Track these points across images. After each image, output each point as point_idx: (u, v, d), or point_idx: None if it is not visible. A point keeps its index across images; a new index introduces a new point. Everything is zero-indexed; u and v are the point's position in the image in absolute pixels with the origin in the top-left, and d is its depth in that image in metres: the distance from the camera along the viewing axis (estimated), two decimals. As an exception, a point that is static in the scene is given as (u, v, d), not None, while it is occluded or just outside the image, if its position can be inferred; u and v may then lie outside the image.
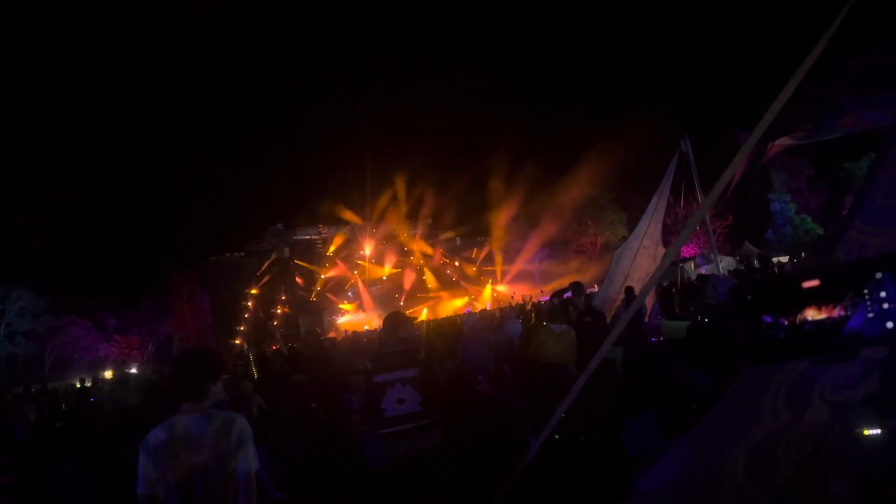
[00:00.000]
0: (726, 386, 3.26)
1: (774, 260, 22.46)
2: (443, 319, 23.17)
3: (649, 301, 11.34)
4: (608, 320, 9.59)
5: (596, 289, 15.25)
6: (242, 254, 49.07)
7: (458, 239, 50.59)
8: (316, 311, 45.03)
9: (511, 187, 44.87)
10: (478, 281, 46.19)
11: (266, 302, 45.02)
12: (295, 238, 49.93)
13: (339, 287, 46.19)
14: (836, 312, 1.57)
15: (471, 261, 48.69)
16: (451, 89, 77.86)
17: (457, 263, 48.07)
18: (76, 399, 14.70)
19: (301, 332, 40.31)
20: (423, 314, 36.24)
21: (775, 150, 9.14)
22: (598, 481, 5.13)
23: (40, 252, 44.63)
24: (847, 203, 36.49)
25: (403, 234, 48.72)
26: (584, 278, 15.70)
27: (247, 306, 44.97)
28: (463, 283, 46.16)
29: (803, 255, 25.42)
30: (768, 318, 1.63)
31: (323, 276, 46.56)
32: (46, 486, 6.43)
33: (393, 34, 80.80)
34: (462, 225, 49.45)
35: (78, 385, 18.96)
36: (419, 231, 49.32)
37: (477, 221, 48.81)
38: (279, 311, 44.20)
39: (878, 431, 2.24)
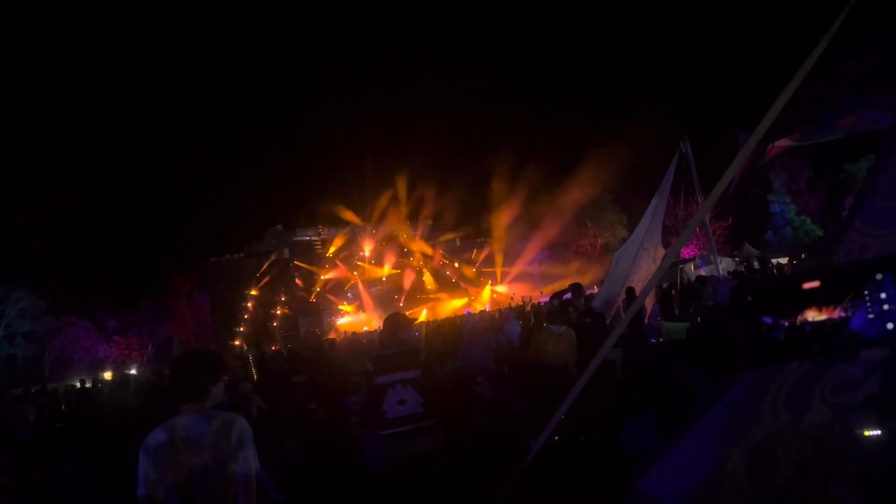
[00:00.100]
0: (726, 386, 3.25)
1: (774, 261, 22.48)
2: (442, 321, 23.15)
3: (649, 302, 11.34)
4: (608, 322, 9.58)
5: (596, 290, 15.25)
6: (242, 255, 49.04)
7: (457, 240, 50.59)
8: (315, 312, 45.03)
9: (511, 188, 44.84)
10: (477, 282, 46.17)
11: (266, 303, 45.00)
12: (295, 239, 49.91)
13: (338, 288, 46.17)
14: (837, 314, 1.57)
15: (470, 262, 48.69)
16: (451, 90, 77.99)
17: (456, 265, 48.06)
18: (76, 400, 14.69)
19: (301, 333, 40.35)
20: (423, 315, 36.20)
21: (775, 151, 9.15)
22: (598, 482, 5.13)
23: (40, 253, 44.74)
24: (847, 205, 36.51)
25: (403, 235, 48.70)
26: (584, 280, 15.66)
27: (246, 307, 44.95)
28: (462, 285, 46.14)
29: (803, 256, 25.43)
30: (769, 319, 1.64)
31: (323, 278, 46.53)
32: (46, 486, 6.43)
33: (394, 35, 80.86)
34: (462, 226, 49.47)
35: (78, 386, 18.94)
36: (419, 232, 49.30)
37: (477, 222, 48.83)
38: (279, 312, 44.20)
39: (879, 433, 2.24)
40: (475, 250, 49.37)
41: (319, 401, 8.64)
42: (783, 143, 8.96)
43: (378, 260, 47.30)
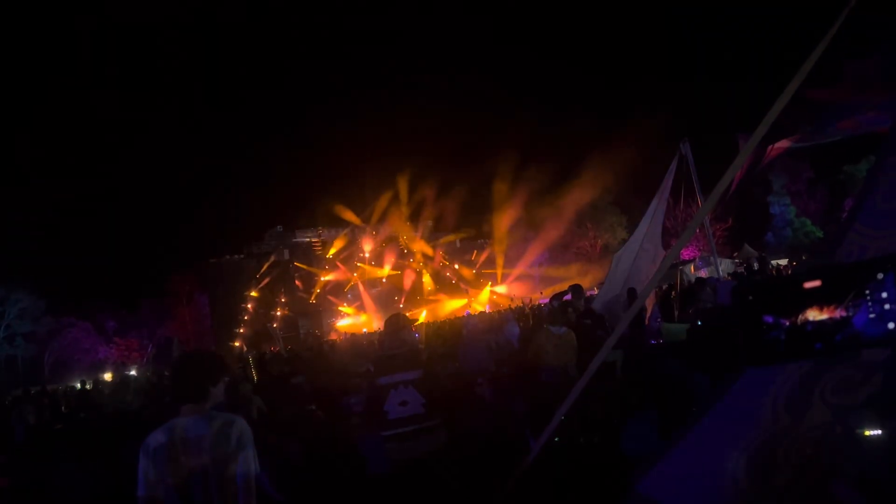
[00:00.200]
0: (725, 387, 3.25)
1: (773, 263, 22.50)
2: (442, 322, 23.16)
3: (649, 303, 11.33)
4: (609, 323, 9.58)
5: (596, 292, 15.24)
6: (242, 256, 49.08)
7: (457, 241, 50.60)
8: (315, 313, 45.03)
9: (511, 190, 44.87)
10: (477, 283, 46.16)
11: (266, 304, 45.03)
12: (294, 240, 49.93)
13: (338, 289, 46.17)
14: (838, 313, 1.57)
15: (470, 263, 48.68)
16: (451, 90, 78.06)
17: (456, 266, 48.06)
18: (76, 401, 14.69)
19: (301, 334, 40.36)
20: (422, 316, 36.21)
21: (775, 152, 9.14)
22: (598, 483, 5.12)
23: (40, 254, 44.78)
24: (847, 206, 36.50)
25: (403, 236, 48.70)
26: (584, 282, 15.67)
27: (246, 308, 44.97)
28: (462, 286, 46.14)
29: (803, 258, 25.45)
30: (770, 319, 1.63)
31: (322, 279, 46.52)
32: (46, 487, 6.42)
33: (394, 35, 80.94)
34: (462, 227, 49.51)
35: (78, 387, 18.95)
36: (419, 233, 49.30)
37: (477, 224, 48.87)
38: (279, 313, 44.21)
39: (880, 433, 2.24)
40: (475, 251, 49.40)
41: (319, 402, 8.64)
42: (783, 144, 8.95)
43: (378, 261, 47.30)
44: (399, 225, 48.50)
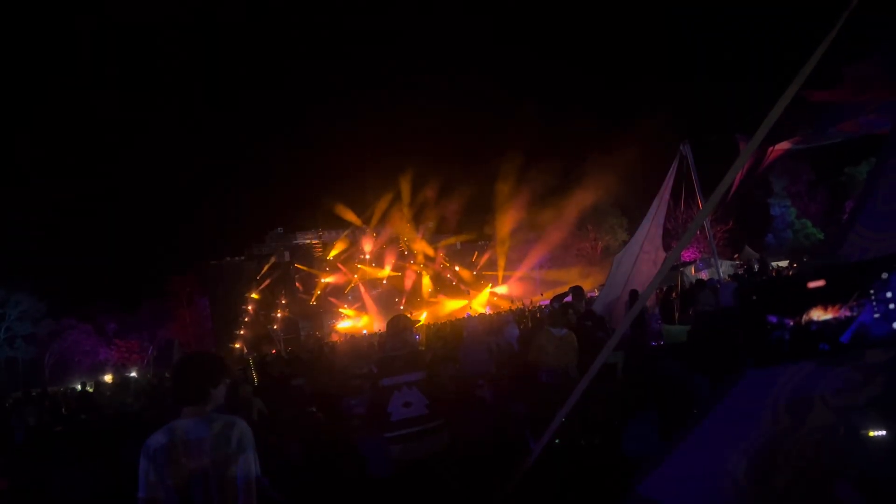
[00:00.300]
0: (726, 388, 3.25)
1: (774, 264, 22.49)
2: (443, 324, 23.16)
3: (650, 305, 11.33)
4: (610, 325, 9.57)
5: (597, 294, 15.24)
6: (242, 258, 49.11)
7: (458, 244, 50.60)
8: (316, 315, 45.03)
9: (511, 192, 44.86)
10: (477, 285, 46.15)
11: (266, 306, 45.02)
12: (295, 242, 49.94)
13: (339, 290, 46.17)
14: (842, 313, 1.56)
15: (471, 265, 48.68)
16: (451, 90, 78.07)
17: (457, 268, 48.05)
18: (76, 403, 14.68)
19: (301, 335, 40.37)
20: (422, 318, 36.22)
21: (775, 154, 9.15)
22: (599, 484, 5.12)
23: (40, 256, 44.78)
24: (848, 208, 36.50)
25: (404, 238, 48.70)
26: (585, 284, 15.67)
27: (247, 310, 44.97)
28: (462, 287, 46.13)
29: (804, 259, 25.43)
30: (773, 319, 1.63)
31: (323, 280, 46.52)
32: (45, 489, 6.41)
33: (395, 36, 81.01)
34: (463, 229, 49.50)
35: (78, 388, 18.94)
36: (420, 235, 49.29)
37: (477, 226, 48.84)
38: (279, 315, 44.21)
39: (884, 433, 2.23)
40: (476, 252, 49.39)
41: (319, 404, 8.63)
42: (784, 146, 8.95)
43: (379, 262, 47.30)
44: (400, 226, 48.48)
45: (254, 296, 45.91)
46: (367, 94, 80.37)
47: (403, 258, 47.94)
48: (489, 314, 27.77)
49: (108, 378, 32.26)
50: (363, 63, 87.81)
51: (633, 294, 10.44)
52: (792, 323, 1.65)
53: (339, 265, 47.06)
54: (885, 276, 1.57)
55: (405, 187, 48.21)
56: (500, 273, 46.10)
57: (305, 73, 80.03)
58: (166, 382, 14.64)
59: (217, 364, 3.05)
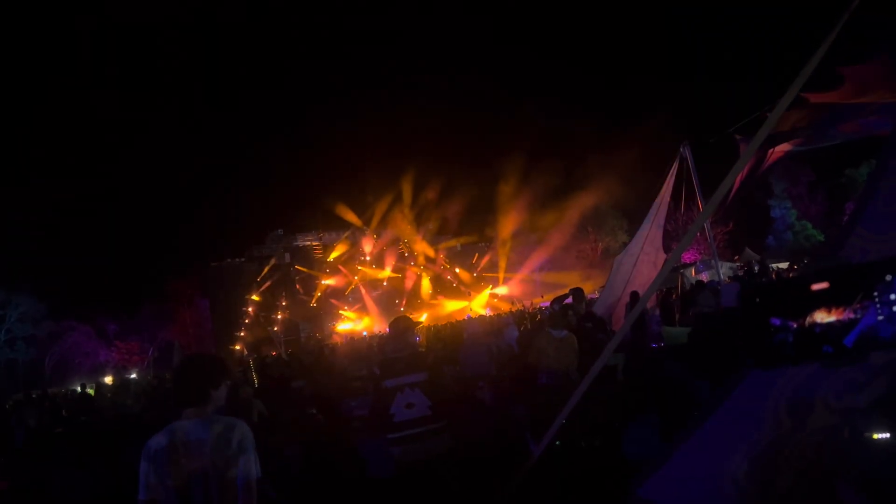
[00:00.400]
0: (727, 390, 3.24)
1: (774, 266, 22.47)
2: (443, 325, 23.15)
3: (651, 307, 11.32)
4: (611, 326, 9.57)
5: (597, 295, 15.23)
6: (243, 259, 49.14)
7: (458, 245, 50.60)
8: (316, 316, 45.04)
9: (512, 194, 44.86)
10: (477, 287, 46.16)
11: (267, 308, 45.03)
12: (295, 243, 49.96)
13: (339, 292, 46.18)
14: (846, 315, 1.55)
15: (471, 267, 48.68)
16: (452, 91, 78.06)
17: (457, 270, 48.06)
18: (76, 405, 14.68)
19: (301, 337, 40.37)
20: (422, 319, 36.22)
21: (776, 156, 9.16)
22: (599, 486, 5.11)
23: (41, 258, 44.70)
24: (848, 209, 36.49)
25: (405, 240, 48.71)
26: (585, 287, 15.66)
27: (247, 312, 44.98)
28: (462, 289, 46.13)
29: (805, 261, 25.40)
30: (777, 321, 1.62)
31: (323, 282, 46.53)
32: (45, 491, 6.41)
33: (395, 36, 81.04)
34: (463, 231, 49.49)
35: (79, 390, 18.94)
36: (420, 236, 49.31)
37: (478, 228, 48.83)
38: (279, 316, 44.21)
39: (888, 436, 2.22)
40: (477, 254, 49.38)
41: (319, 405, 8.63)
42: (784, 147, 8.96)
43: (379, 264, 47.31)
44: (400, 228, 48.49)
45: (254, 297, 45.96)
46: (368, 94, 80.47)
47: (404, 260, 47.96)
48: (489, 316, 27.77)
49: (108, 380, 32.26)
50: (363, 63, 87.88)
51: (634, 295, 10.44)
52: (795, 325, 1.64)
53: (340, 267, 47.07)
54: (889, 278, 1.57)
55: (406, 188, 48.29)
56: (501, 275, 46.11)
57: (305, 73, 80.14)
58: (166, 384, 14.64)
59: (218, 365, 3.05)
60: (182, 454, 2.72)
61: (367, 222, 49.19)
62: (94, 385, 22.40)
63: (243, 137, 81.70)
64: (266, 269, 47.43)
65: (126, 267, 52.25)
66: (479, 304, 42.31)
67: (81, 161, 63.44)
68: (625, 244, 25.02)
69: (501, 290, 44.90)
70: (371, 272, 46.68)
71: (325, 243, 49.88)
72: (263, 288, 46.52)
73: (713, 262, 14.60)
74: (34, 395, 15.41)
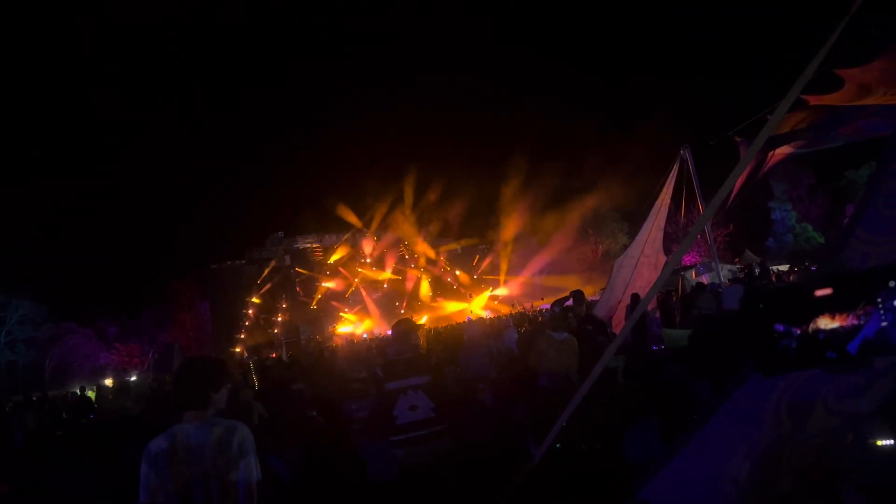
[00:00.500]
0: (728, 392, 3.24)
1: (774, 268, 22.46)
2: (444, 327, 23.15)
3: (652, 309, 11.32)
4: (611, 329, 9.56)
5: (598, 298, 15.23)
6: (243, 261, 49.12)
7: (459, 248, 50.59)
8: (317, 318, 45.02)
9: (512, 196, 44.85)
10: (478, 289, 46.14)
11: (267, 310, 45.02)
12: (295, 246, 49.95)
13: (340, 294, 46.17)
14: (849, 321, 1.55)
15: (472, 269, 48.66)
16: (452, 91, 78.15)
17: (457, 272, 48.05)
18: (76, 407, 14.67)
19: (302, 339, 40.34)
20: (422, 321, 36.20)
21: (776, 158, 9.15)
22: (600, 489, 5.10)
23: (41, 260, 44.71)
24: (848, 212, 36.48)
25: (405, 242, 48.70)
26: (586, 290, 15.66)
27: (247, 314, 44.97)
28: (462, 291, 46.13)
29: (805, 263, 25.39)
30: (780, 328, 1.62)
31: (324, 284, 46.52)
32: (45, 493, 6.40)
33: (396, 38, 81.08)
34: (464, 233, 49.48)
35: (78, 393, 18.92)
36: (420, 238, 49.30)
37: (478, 230, 48.81)
38: (280, 319, 44.20)
39: (892, 442, 2.22)
40: (477, 256, 49.36)
41: (320, 408, 8.62)
42: (784, 150, 8.96)
43: (379, 265, 47.30)
44: (400, 229, 48.49)
45: (254, 300, 45.93)
46: (368, 94, 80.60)
47: (404, 262, 47.94)
48: (489, 318, 27.77)
49: (108, 382, 32.23)
50: (363, 63, 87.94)
51: (635, 298, 10.43)
52: (799, 331, 1.63)
53: (340, 268, 47.05)
54: (892, 284, 1.57)
55: (406, 190, 48.30)
56: (502, 277, 46.09)
57: (305, 73, 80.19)
58: (166, 386, 14.63)
59: (219, 368, 3.04)
60: (183, 457, 2.72)
61: (367, 224, 49.25)
62: (94, 387, 22.39)
63: (243, 138, 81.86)
64: (266, 272, 47.44)
65: (126, 269, 52.33)
66: (479, 306, 42.30)
67: (81, 161, 63.61)
68: (625, 246, 25.00)
69: (501, 291, 44.89)
70: (371, 274, 46.68)
71: (325, 245, 49.89)
72: (264, 290, 46.52)
73: (714, 264, 14.58)
74: (34, 398, 15.39)
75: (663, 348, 9.20)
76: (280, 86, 79.20)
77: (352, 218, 48.78)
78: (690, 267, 23.70)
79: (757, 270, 17.73)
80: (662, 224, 11.70)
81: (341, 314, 44.68)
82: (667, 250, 12.84)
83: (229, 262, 48.98)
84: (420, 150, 69.22)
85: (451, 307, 43.06)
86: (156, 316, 47.12)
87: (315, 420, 8.22)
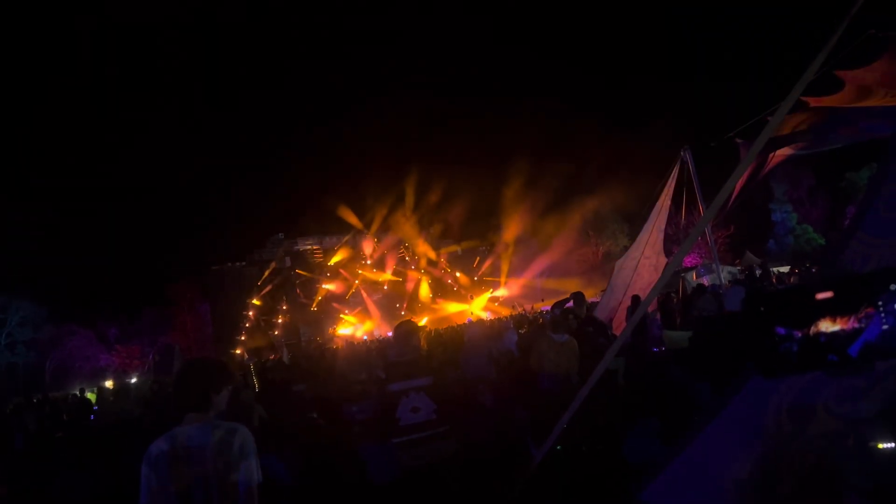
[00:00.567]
0: (729, 395, 3.24)
1: (775, 270, 22.46)
2: (444, 329, 23.15)
3: (652, 310, 11.31)
4: (612, 331, 9.56)
5: (598, 299, 15.22)
6: (244, 263, 49.12)
7: (459, 250, 50.59)
8: (317, 320, 45.02)
9: (513, 198, 44.87)
10: (478, 291, 46.14)
11: (267, 312, 45.03)
12: (296, 247, 49.96)
13: (340, 296, 46.17)
14: (851, 324, 1.55)
15: (472, 271, 48.66)
16: (452, 91, 78.12)
17: (458, 274, 48.04)
18: (76, 408, 14.66)
19: (302, 341, 40.33)
20: (423, 323, 36.19)
21: (777, 160, 9.15)
22: (601, 490, 5.10)
23: (41, 262, 44.72)
24: (849, 213, 36.48)
25: (406, 244, 48.71)
26: (587, 292, 15.66)
27: (248, 316, 44.97)
28: (462, 292, 46.12)
29: (806, 265, 25.39)
30: (782, 331, 1.62)
31: (324, 286, 46.52)
32: (45, 494, 6.40)
33: (396, 38, 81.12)
34: (464, 235, 49.50)
35: (79, 394, 18.92)
36: (421, 240, 49.28)
37: (479, 232, 48.83)
38: (280, 320, 44.20)
39: (893, 445, 2.22)
40: (478, 258, 49.36)
41: (320, 409, 8.62)
42: (785, 151, 8.95)
43: (380, 267, 47.30)
44: (401, 231, 48.48)
45: (255, 301, 45.92)
46: (368, 95, 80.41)
47: (404, 263, 47.93)
48: (489, 319, 27.77)
49: (108, 384, 32.22)
50: (363, 63, 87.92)
51: (635, 299, 10.43)
52: (800, 335, 1.63)
53: (341, 270, 47.05)
54: (893, 287, 1.56)
55: (407, 191, 48.29)
56: (503, 279, 46.08)
57: (305, 73, 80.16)
58: (167, 388, 14.61)
59: (220, 370, 3.03)
60: (183, 459, 2.71)
61: (367, 225, 49.23)
62: (94, 389, 22.39)
63: (244, 139, 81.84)
64: (267, 273, 47.43)
65: (127, 271, 52.38)
66: (479, 308, 42.29)
67: (81, 161, 63.62)
68: (626, 248, 24.99)
69: (502, 293, 44.88)
70: (372, 275, 46.68)
71: (325, 247, 49.89)
72: (264, 292, 46.52)
73: (714, 265, 14.58)
74: (35, 399, 15.39)
75: (664, 350, 9.20)
76: (280, 86, 79.25)
77: (352, 219, 48.84)
78: (691, 268, 23.69)
79: (758, 272, 17.72)
80: (663, 226, 11.70)
81: (342, 316, 44.66)
82: (667, 252, 12.84)
83: (230, 264, 48.98)
84: (421, 151, 69.17)
85: (452, 309, 43.05)
86: (156, 318, 47.10)
87: (315, 422, 8.22)
